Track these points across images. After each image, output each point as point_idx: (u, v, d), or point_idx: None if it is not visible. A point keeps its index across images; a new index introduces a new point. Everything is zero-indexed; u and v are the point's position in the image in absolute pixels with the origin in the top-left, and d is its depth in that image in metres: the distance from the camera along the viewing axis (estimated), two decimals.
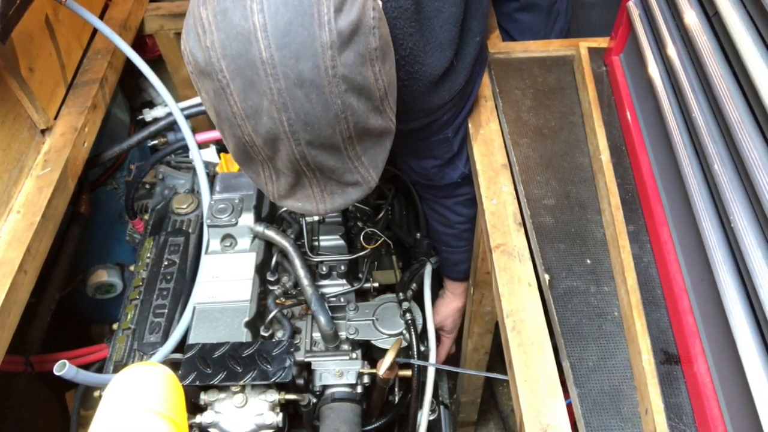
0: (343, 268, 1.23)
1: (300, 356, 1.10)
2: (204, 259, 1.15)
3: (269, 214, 1.27)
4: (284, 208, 1.30)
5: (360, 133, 0.75)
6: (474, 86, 1.11)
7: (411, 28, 0.87)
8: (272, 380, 0.96)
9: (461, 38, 0.97)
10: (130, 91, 1.79)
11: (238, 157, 0.81)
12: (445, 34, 0.93)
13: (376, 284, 1.28)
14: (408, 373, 1.18)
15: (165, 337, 1.10)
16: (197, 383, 0.96)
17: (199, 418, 0.98)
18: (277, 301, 1.14)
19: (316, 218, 1.29)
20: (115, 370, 1.07)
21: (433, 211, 1.35)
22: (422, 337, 1.29)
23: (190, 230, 1.29)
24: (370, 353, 1.21)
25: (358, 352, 1.15)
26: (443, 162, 1.16)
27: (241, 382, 0.96)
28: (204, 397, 0.99)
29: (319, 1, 0.66)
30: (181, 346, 1.04)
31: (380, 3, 0.77)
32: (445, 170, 1.18)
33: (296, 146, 0.72)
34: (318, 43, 0.66)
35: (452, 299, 1.48)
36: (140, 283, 1.20)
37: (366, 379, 1.11)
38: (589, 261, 0.92)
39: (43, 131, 1.15)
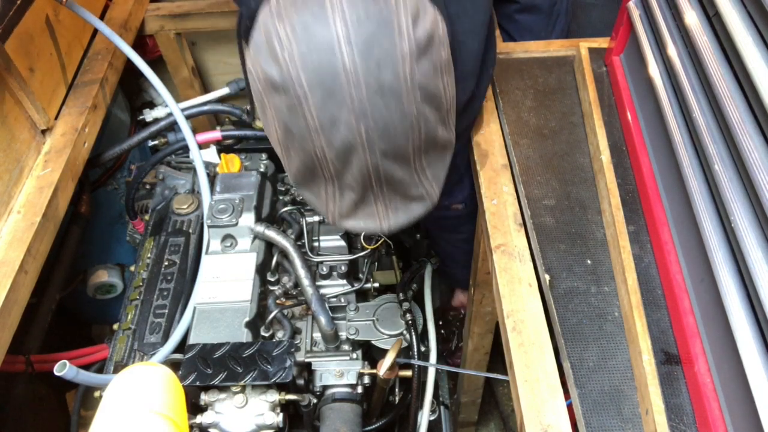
0: (343, 268, 1.23)
1: (300, 356, 1.10)
2: (204, 259, 1.15)
3: (269, 215, 1.27)
4: (285, 208, 1.30)
5: (429, 144, 0.76)
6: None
7: None
8: (272, 380, 0.96)
9: (481, 70, 0.99)
10: (131, 91, 1.79)
11: (301, 176, 0.80)
12: (468, 67, 0.94)
13: (376, 284, 1.28)
14: (408, 373, 1.18)
15: (165, 337, 1.09)
16: (198, 383, 0.96)
17: (199, 419, 0.98)
18: (278, 301, 1.14)
19: (316, 218, 1.29)
20: (116, 370, 1.07)
21: (437, 245, 1.48)
22: (422, 337, 1.29)
23: (190, 230, 1.28)
24: (371, 353, 1.21)
25: (359, 352, 1.15)
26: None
27: (242, 383, 0.96)
28: (204, 398, 0.99)
29: (398, 12, 0.67)
30: (182, 346, 1.04)
31: None
32: (452, 190, 1.19)
33: (371, 156, 0.72)
34: (399, 51, 0.67)
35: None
36: (140, 284, 1.20)
37: (366, 380, 1.11)
38: (589, 261, 0.92)
39: (43, 131, 1.15)
